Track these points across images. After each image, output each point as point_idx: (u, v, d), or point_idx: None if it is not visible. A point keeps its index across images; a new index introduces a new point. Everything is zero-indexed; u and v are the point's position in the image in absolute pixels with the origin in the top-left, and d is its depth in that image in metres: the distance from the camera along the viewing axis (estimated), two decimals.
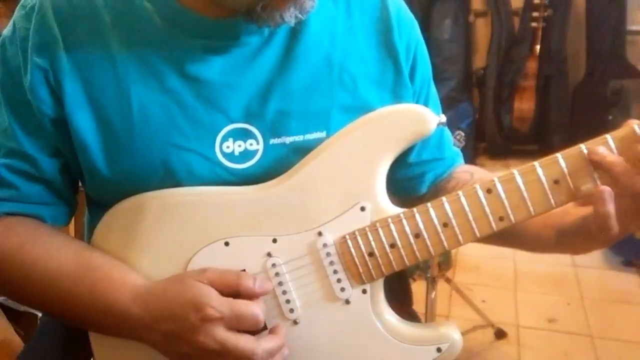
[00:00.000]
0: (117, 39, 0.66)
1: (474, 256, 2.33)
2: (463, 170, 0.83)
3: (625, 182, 0.58)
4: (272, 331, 0.66)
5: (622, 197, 0.58)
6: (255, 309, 0.62)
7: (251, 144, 0.69)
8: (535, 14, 3.02)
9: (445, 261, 1.93)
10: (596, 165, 0.59)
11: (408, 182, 0.82)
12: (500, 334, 1.88)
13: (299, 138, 0.69)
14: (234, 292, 0.63)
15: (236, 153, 0.69)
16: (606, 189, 0.58)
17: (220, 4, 0.64)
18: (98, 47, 0.66)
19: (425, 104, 0.80)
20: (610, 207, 0.58)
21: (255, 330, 0.63)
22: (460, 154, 0.87)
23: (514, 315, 2.01)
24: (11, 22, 0.69)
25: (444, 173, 0.83)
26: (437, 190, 0.82)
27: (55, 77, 0.66)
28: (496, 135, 3.24)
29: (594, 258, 2.33)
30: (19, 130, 0.68)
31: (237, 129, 0.68)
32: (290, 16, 0.62)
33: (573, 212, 0.65)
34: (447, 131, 0.85)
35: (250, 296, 0.64)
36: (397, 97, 0.74)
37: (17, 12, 0.68)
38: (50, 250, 0.68)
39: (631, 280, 2.21)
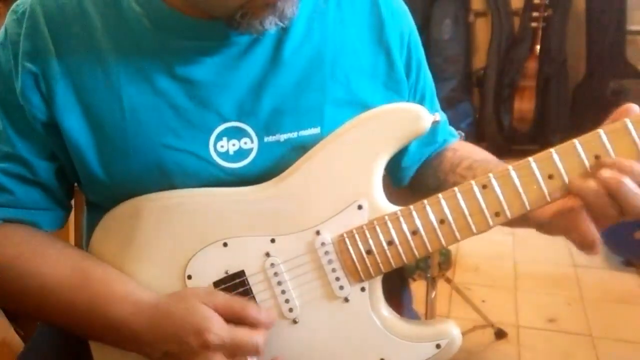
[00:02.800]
0: (108, 42, 0.66)
1: (474, 256, 2.33)
2: (450, 147, 0.84)
3: (597, 210, 0.59)
4: None
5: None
6: (256, 339, 0.63)
7: (245, 143, 0.69)
8: (535, 14, 3.02)
9: (445, 261, 1.93)
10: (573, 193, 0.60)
11: (401, 171, 0.83)
12: (500, 334, 1.88)
13: (293, 135, 0.69)
14: (239, 320, 0.64)
15: (231, 152, 0.69)
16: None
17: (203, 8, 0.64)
18: (89, 51, 0.66)
19: (423, 92, 0.81)
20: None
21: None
22: (455, 133, 0.87)
23: (514, 315, 2.01)
24: (3, 27, 0.69)
25: (432, 153, 0.84)
26: (420, 168, 0.83)
27: (46, 82, 0.66)
28: (496, 135, 3.24)
29: (594, 258, 2.33)
30: (14, 134, 0.68)
31: (231, 127, 0.68)
32: (270, 24, 0.62)
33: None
34: (442, 115, 0.85)
35: (254, 325, 0.64)
36: (389, 90, 0.75)
37: (9, 17, 0.68)
38: (48, 262, 0.67)
39: (631, 280, 2.21)
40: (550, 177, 0.61)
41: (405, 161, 0.82)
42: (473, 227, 0.63)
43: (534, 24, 3.04)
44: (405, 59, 0.77)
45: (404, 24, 0.77)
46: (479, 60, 3.33)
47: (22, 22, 0.67)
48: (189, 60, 0.67)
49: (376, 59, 0.74)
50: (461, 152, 0.81)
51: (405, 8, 0.79)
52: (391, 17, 0.75)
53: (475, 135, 3.24)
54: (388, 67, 0.75)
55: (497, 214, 0.63)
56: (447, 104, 3.09)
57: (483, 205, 0.63)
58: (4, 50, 0.68)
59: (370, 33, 0.74)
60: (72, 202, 0.78)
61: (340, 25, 0.72)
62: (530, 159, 0.62)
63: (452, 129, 0.87)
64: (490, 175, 0.63)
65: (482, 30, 3.33)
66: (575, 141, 0.60)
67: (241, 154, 0.69)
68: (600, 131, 0.60)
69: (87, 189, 0.73)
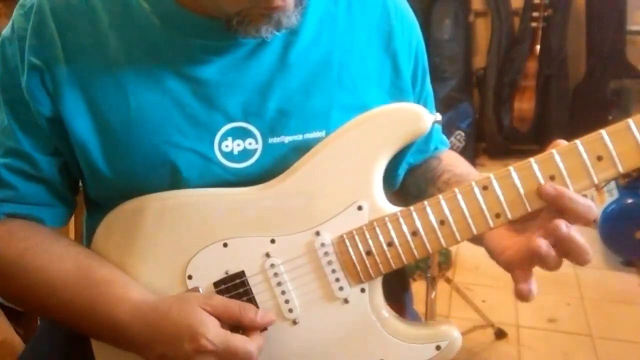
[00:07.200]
0: (115, 39, 0.66)
1: (474, 256, 2.32)
2: (437, 155, 0.85)
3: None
4: None
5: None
6: (249, 346, 0.62)
7: (250, 143, 0.69)
8: (535, 14, 3.02)
9: (446, 261, 1.93)
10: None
11: (394, 176, 0.82)
12: (500, 334, 1.88)
13: (298, 137, 0.69)
14: (236, 322, 0.64)
15: (235, 152, 0.69)
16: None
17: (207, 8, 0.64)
18: (96, 47, 0.66)
19: (425, 100, 0.82)
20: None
21: None
22: (446, 141, 0.88)
23: (514, 315, 2.01)
24: (10, 22, 0.69)
25: (420, 161, 0.84)
26: (406, 174, 0.84)
27: (52, 78, 0.66)
28: (496, 135, 3.24)
29: (594, 258, 2.32)
30: (18, 129, 0.68)
31: (236, 127, 0.68)
32: (265, 32, 0.63)
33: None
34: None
35: (252, 328, 0.64)
36: (393, 97, 0.75)
37: (16, 12, 0.68)
38: (52, 258, 0.67)
39: (631, 280, 2.21)
40: (552, 178, 0.61)
41: (400, 166, 0.81)
42: (473, 228, 0.63)
43: (534, 24, 3.04)
44: (412, 68, 0.78)
45: (412, 34, 0.78)
46: (479, 60, 3.33)
47: (29, 16, 0.67)
48: (196, 59, 0.67)
49: (382, 66, 0.74)
50: (444, 164, 0.81)
51: (414, 18, 0.80)
52: (400, 26, 0.76)
53: (475, 135, 3.24)
54: (394, 75, 0.75)
55: (497, 215, 0.62)
56: (447, 104, 3.09)
57: (484, 207, 0.62)
58: (10, 45, 0.67)
59: (378, 40, 0.74)
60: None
61: (349, 30, 0.73)
62: (532, 159, 0.61)
63: (444, 137, 0.88)
64: (492, 176, 0.62)
65: (482, 30, 3.33)
66: (578, 142, 0.60)
67: (245, 154, 0.69)
68: (603, 132, 0.59)
69: (90, 186, 0.73)
